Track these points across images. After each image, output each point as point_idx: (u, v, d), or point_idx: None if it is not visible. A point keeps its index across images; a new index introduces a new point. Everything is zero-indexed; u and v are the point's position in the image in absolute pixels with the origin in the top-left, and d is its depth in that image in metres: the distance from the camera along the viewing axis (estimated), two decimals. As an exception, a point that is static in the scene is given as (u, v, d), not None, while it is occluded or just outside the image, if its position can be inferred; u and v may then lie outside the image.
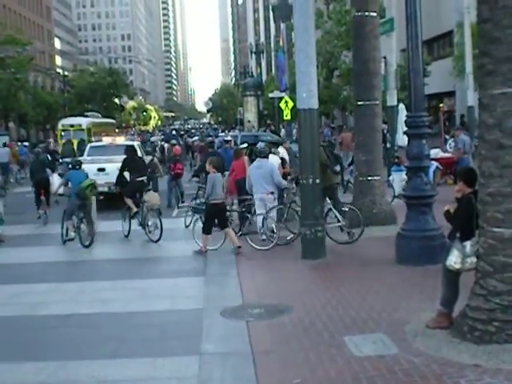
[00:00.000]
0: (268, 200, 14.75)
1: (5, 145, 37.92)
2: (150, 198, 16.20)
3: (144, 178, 17.50)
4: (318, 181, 12.33)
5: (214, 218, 13.98)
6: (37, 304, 10.73)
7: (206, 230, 13.91)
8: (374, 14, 15.27)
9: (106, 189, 20.15)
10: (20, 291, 11.65)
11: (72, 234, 16.03)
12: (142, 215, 16.25)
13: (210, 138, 33.07)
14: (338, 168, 14.95)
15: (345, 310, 8.89)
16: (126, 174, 17.70)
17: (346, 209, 14.35)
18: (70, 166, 17.43)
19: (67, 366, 7.80)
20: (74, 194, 16.06)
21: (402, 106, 23.19)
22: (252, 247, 13.82)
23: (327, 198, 14.03)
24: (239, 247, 13.65)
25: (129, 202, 16.73)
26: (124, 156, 18.15)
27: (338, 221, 14.05)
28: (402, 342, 7.44)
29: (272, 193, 14.83)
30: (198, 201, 15.87)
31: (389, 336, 7.66)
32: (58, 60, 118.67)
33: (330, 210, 14.05)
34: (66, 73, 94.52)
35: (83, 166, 17.19)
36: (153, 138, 49.13)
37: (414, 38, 11.43)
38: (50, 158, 26.65)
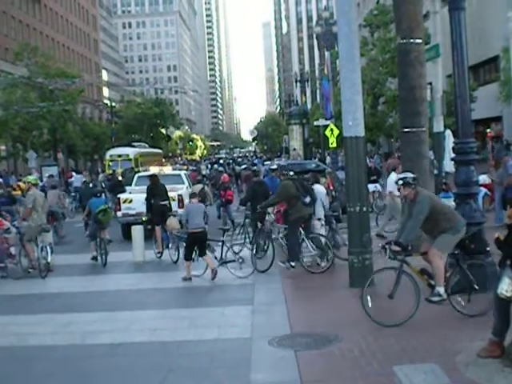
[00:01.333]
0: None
1: (79, 173, 42.91)
2: (170, 223, 17.61)
3: (166, 202, 19.19)
4: (365, 208, 12.30)
5: (193, 245, 14.80)
6: (86, 333, 10.82)
7: (186, 257, 14.76)
8: (419, 41, 15.17)
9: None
10: (70, 320, 11.78)
11: (94, 253, 17.85)
12: (168, 239, 17.74)
13: (254, 167, 33.22)
14: (307, 200, 15.00)
15: (394, 340, 8.79)
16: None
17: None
18: (92, 194, 19.40)
19: (117, 395, 7.86)
20: (93, 219, 18.04)
21: (448, 132, 22.96)
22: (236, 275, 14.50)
23: (300, 229, 14.62)
24: (215, 270, 14.52)
25: (158, 233, 18.24)
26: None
27: (312, 250, 14.50)
28: (454, 372, 7.32)
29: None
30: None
31: (440, 366, 7.52)
32: (106, 91, 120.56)
33: (303, 240, 14.54)
34: (114, 104, 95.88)
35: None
36: (215, 166, 51.30)
37: (460, 65, 11.36)
38: (103, 185, 28.28)
